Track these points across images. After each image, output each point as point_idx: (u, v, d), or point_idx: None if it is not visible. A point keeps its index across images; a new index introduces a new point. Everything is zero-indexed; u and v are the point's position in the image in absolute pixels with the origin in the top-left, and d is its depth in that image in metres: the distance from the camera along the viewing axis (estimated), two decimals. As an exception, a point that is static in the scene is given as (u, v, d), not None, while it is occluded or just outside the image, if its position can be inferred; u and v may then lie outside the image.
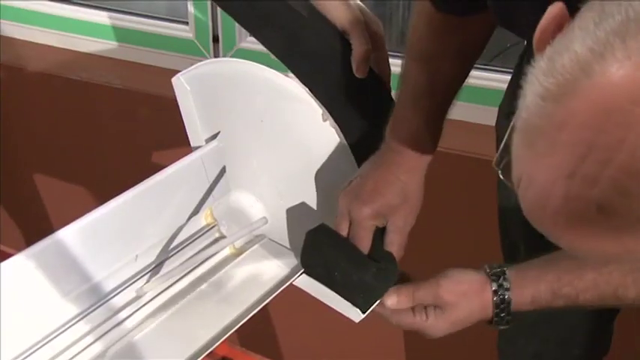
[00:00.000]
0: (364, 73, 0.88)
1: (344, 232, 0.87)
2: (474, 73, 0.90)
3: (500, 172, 0.54)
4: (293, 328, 1.79)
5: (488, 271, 0.86)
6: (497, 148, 0.54)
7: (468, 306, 0.87)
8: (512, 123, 0.49)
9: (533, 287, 0.86)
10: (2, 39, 1.94)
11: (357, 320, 0.87)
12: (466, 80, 0.89)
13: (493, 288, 0.85)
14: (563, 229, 0.47)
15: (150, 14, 1.83)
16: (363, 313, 0.86)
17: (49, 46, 1.95)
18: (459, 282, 0.87)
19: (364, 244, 0.86)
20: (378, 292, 0.85)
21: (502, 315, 0.86)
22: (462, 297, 0.86)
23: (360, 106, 0.91)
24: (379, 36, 0.89)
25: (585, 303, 0.85)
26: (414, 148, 0.87)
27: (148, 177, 0.85)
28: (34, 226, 1.97)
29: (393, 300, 0.86)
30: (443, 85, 0.88)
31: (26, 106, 1.95)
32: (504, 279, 0.86)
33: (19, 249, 1.59)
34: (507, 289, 0.85)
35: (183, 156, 0.87)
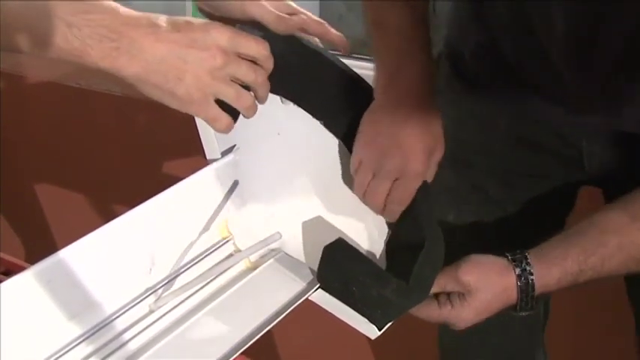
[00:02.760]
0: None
1: (363, 188, 0.87)
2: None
3: None
4: (292, 334, 1.78)
5: (508, 257, 0.87)
6: None
7: (490, 288, 0.87)
8: None
9: (559, 266, 0.86)
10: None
11: (372, 337, 0.86)
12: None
13: (517, 272, 0.86)
14: None
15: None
16: (380, 330, 0.85)
17: (49, 54, 1.93)
18: (478, 263, 0.87)
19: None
20: (396, 309, 0.84)
21: (527, 299, 0.86)
22: (483, 278, 0.86)
23: (349, 108, 0.91)
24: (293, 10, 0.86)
25: (610, 272, 0.86)
26: (425, 91, 0.88)
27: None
28: (33, 234, 1.96)
29: None
30: (425, 21, 0.90)
31: (26, 114, 1.95)
32: (527, 263, 0.86)
33: (18, 257, 1.59)
34: (531, 273, 0.86)
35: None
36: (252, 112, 0.76)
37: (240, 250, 0.89)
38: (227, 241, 0.89)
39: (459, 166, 1.09)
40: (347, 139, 0.90)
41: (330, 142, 0.91)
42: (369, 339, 0.87)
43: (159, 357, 0.79)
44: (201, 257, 0.87)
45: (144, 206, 0.82)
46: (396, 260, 0.88)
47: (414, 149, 0.87)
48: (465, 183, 1.11)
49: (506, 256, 0.87)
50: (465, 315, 0.87)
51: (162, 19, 0.71)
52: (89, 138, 1.89)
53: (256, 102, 0.77)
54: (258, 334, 0.81)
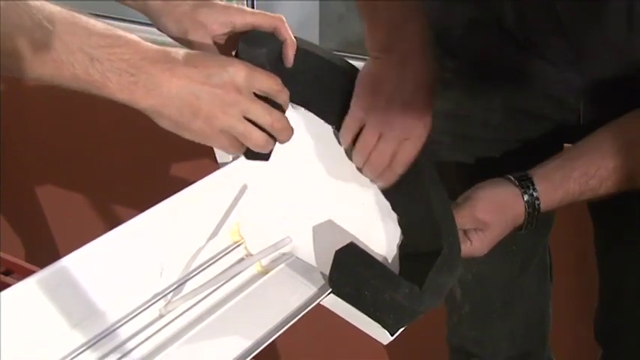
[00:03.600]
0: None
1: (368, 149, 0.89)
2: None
3: None
4: (298, 337, 1.78)
5: (516, 183, 0.92)
6: None
7: (504, 221, 0.93)
8: None
9: (562, 189, 0.92)
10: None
11: (385, 342, 0.85)
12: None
13: (525, 199, 0.91)
14: None
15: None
16: (392, 334, 0.84)
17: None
18: (493, 201, 0.92)
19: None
20: (409, 314, 0.83)
21: (532, 221, 0.93)
22: (499, 215, 0.92)
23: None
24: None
25: (605, 192, 0.92)
26: (429, 46, 0.90)
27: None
28: (33, 234, 1.96)
29: None
30: None
31: (26, 115, 1.94)
32: (534, 189, 0.92)
33: (18, 257, 1.58)
34: (537, 199, 0.92)
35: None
36: (264, 149, 0.79)
37: (251, 255, 0.88)
38: (238, 245, 0.88)
39: (460, 141, 1.12)
40: None
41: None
42: (374, 341, 0.87)
43: (169, 361, 0.78)
44: (211, 261, 0.86)
45: (154, 210, 0.82)
46: (410, 265, 0.87)
47: (424, 107, 0.90)
48: (466, 157, 1.13)
49: (514, 182, 0.92)
50: (484, 247, 0.93)
51: (180, 54, 0.73)
52: (91, 138, 1.89)
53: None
54: (269, 339, 0.80)
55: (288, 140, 0.80)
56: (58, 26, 0.68)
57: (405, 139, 0.89)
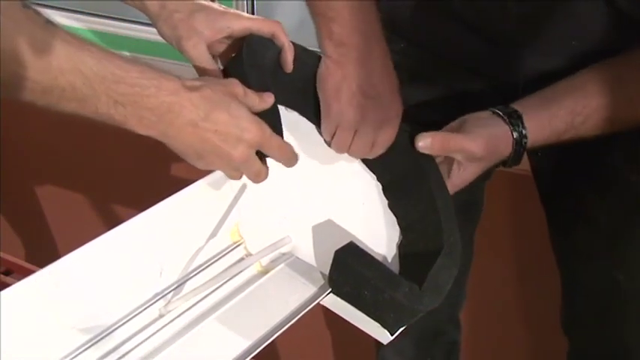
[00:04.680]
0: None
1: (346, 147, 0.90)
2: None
3: None
4: (294, 335, 1.78)
5: (506, 119, 0.92)
6: None
7: (494, 156, 0.93)
8: None
9: (549, 127, 0.93)
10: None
11: (385, 342, 0.85)
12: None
13: (514, 136, 0.92)
14: None
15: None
16: (392, 334, 0.84)
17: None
18: (488, 138, 0.92)
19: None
20: (409, 313, 0.83)
21: (516, 158, 0.94)
22: (492, 150, 0.92)
23: None
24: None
25: (586, 132, 0.94)
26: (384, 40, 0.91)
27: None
28: (33, 234, 1.95)
29: (426, 142, 0.90)
30: None
31: (26, 116, 1.93)
32: (523, 127, 0.93)
33: (18, 257, 1.57)
34: (526, 137, 0.93)
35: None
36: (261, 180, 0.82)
37: (251, 254, 0.88)
38: (238, 245, 0.88)
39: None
40: None
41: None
42: (372, 340, 0.87)
43: (168, 361, 0.78)
44: (211, 261, 0.86)
45: (154, 209, 0.82)
46: (410, 264, 0.87)
47: (394, 91, 0.91)
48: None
49: (504, 119, 0.93)
50: (466, 176, 0.94)
51: (202, 109, 0.75)
52: (91, 138, 1.88)
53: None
54: (269, 339, 0.80)
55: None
56: (88, 71, 0.69)
57: (380, 128, 0.90)
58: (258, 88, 0.81)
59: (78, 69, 0.68)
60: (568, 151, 1.01)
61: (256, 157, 0.80)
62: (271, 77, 0.85)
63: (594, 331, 1.18)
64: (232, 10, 0.87)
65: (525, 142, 0.93)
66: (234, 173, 0.81)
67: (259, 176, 0.81)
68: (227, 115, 0.76)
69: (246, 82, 0.80)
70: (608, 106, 0.92)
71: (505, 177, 1.23)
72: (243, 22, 0.86)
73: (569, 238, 1.17)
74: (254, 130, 0.78)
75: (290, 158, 0.83)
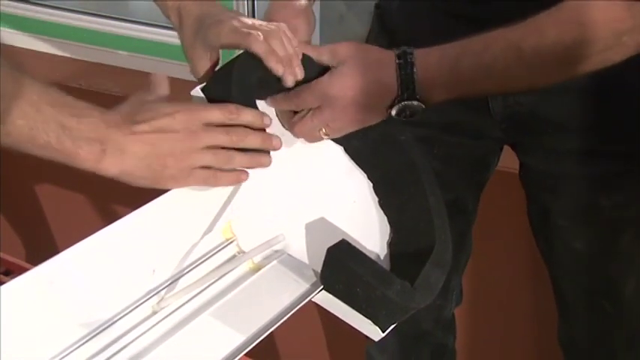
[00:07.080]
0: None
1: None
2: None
3: None
4: (292, 334, 1.78)
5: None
6: None
7: (365, 57, 0.85)
8: None
9: (438, 49, 0.85)
10: (2, 47, 1.93)
11: (376, 339, 0.86)
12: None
13: (396, 52, 0.84)
14: None
15: (152, 22, 1.83)
16: (383, 331, 0.85)
17: (50, 54, 1.93)
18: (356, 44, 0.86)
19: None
20: (400, 310, 0.83)
21: (407, 84, 0.83)
22: (361, 49, 0.86)
23: None
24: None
25: (491, 61, 0.83)
26: None
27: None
28: (34, 234, 1.96)
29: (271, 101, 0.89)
30: None
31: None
32: (410, 54, 0.84)
33: (18, 257, 1.58)
34: (411, 53, 0.84)
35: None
36: (243, 164, 0.84)
37: (243, 252, 0.89)
38: (230, 243, 0.89)
39: None
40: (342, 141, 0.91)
41: (334, 144, 0.91)
42: (364, 337, 0.87)
43: (162, 359, 0.79)
44: (204, 258, 0.86)
45: (147, 207, 0.82)
46: (401, 262, 0.88)
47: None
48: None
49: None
50: (335, 90, 0.84)
51: (139, 117, 0.79)
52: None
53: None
54: (261, 335, 0.81)
55: (269, 144, 0.84)
56: (40, 96, 0.74)
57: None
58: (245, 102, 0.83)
59: None
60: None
61: (204, 134, 0.80)
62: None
63: (587, 356, 1.20)
64: (244, 31, 0.86)
65: (411, 60, 0.83)
66: (203, 171, 0.81)
67: (225, 162, 0.82)
68: (153, 107, 0.80)
69: (234, 98, 0.82)
70: (517, 47, 0.83)
71: (504, 177, 1.23)
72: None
73: (553, 264, 1.18)
74: (183, 109, 0.80)
75: (243, 118, 0.82)
